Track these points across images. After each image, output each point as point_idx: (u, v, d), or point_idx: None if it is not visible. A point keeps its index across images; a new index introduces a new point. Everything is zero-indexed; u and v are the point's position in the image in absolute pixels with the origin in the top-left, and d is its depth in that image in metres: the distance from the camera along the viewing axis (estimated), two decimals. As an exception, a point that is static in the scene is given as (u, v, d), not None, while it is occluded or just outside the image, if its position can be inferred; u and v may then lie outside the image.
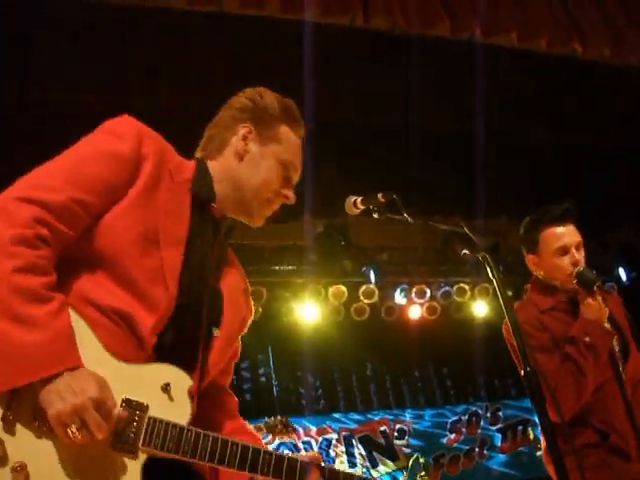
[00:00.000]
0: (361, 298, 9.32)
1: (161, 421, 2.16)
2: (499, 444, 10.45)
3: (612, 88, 7.36)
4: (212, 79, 5.45)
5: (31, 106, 5.50)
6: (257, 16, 5.59)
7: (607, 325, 3.74)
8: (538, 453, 9.69)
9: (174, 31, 5.66)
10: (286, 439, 8.99)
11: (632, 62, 7.17)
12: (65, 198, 2.18)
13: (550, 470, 3.56)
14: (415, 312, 9.83)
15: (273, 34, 5.84)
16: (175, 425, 2.19)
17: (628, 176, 8.16)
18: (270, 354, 9.88)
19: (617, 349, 3.79)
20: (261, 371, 9.93)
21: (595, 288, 3.67)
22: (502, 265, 9.61)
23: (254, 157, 2.58)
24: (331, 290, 9.09)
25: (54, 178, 2.21)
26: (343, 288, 9.13)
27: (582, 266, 3.76)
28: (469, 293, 9.83)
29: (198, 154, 2.66)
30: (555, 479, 3.11)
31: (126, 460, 2.11)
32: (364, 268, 9.10)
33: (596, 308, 3.69)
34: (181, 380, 2.25)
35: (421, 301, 9.73)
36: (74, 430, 2.00)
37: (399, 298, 9.66)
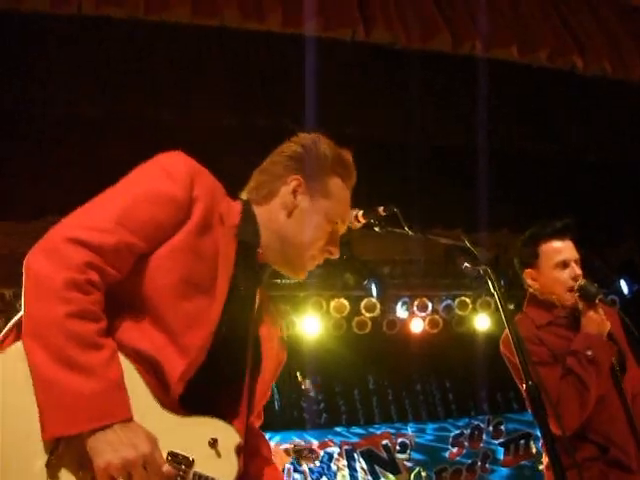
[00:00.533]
0: (363, 312, 9.30)
1: (207, 477, 2.12)
2: (501, 458, 10.41)
3: (614, 103, 7.38)
4: (212, 91, 5.46)
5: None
6: (258, 31, 5.63)
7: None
8: (540, 467, 9.64)
9: (177, 44, 5.69)
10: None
11: (633, 77, 7.19)
12: (116, 241, 2.14)
13: (550, 485, 3.57)
14: (417, 325, 9.80)
15: (274, 48, 5.87)
16: None
17: (629, 190, 8.17)
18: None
19: (615, 363, 3.79)
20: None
21: (597, 301, 3.68)
22: (504, 278, 9.60)
23: (303, 213, 2.52)
24: (333, 303, 9.08)
25: (106, 219, 2.16)
26: (345, 301, 9.12)
27: (583, 280, 3.77)
28: (471, 306, 9.81)
29: (244, 196, 2.61)
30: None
31: None
32: (366, 281, 9.09)
33: (598, 321, 3.70)
34: (229, 436, 2.19)
35: (423, 314, 9.71)
36: None
37: (401, 311, 9.64)
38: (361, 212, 3.01)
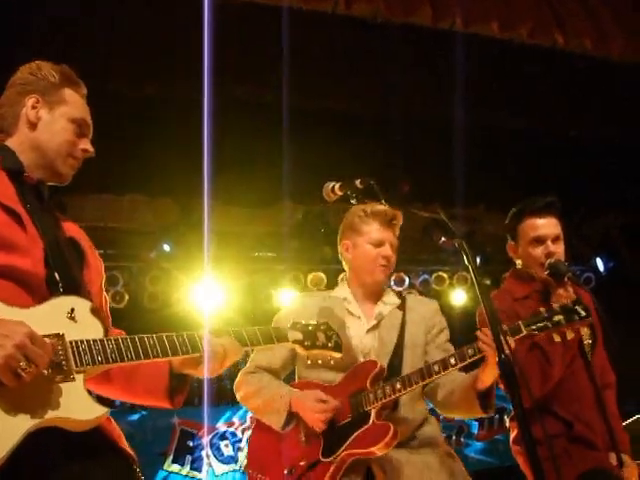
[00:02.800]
0: (339, 283, 9.30)
1: (82, 341, 2.29)
2: (476, 432, 10.51)
3: (593, 79, 7.39)
4: (191, 64, 5.43)
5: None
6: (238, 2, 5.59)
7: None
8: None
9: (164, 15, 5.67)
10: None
11: (613, 54, 7.19)
12: None
13: (520, 460, 3.61)
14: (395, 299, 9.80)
15: (254, 21, 5.83)
16: (95, 340, 2.33)
17: (608, 167, 8.21)
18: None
19: (589, 341, 3.83)
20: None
21: (566, 279, 3.71)
22: (481, 254, 9.66)
23: (47, 122, 2.68)
24: (310, 277, 9.09)
25: None
26: (322, 275, 9.12)
27: (554, 258, 3.80)
28: (447, 281, 9.87)
29: None
30: (526, 469, 3.17)
31: (68, 385, 2.22)
32: (343, 255, 9.10)
33: (566, 299, 3.72)
34: (81, 302, 2.37)
35: (399, 289, 9.73)
36: (23, 367, 2.06)
37: (377, 285, 9.66)
38: (338, 184, 3.02)
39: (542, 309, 3.23)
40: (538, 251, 3.86)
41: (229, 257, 8.58)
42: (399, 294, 3.89)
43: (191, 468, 9.15)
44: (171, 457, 9.10)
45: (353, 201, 2.98)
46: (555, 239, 3.89)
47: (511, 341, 3.04)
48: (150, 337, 2.47)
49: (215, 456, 9.28)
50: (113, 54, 5.63)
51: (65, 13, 5.41)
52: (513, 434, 3.89)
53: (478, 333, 3.16)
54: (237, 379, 3.79)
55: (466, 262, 2.60)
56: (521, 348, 3.68)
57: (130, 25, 5.64)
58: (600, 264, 10.27)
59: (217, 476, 9.18)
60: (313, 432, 3.42)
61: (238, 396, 3.77)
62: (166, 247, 8.51)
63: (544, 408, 3.66)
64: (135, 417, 9.16)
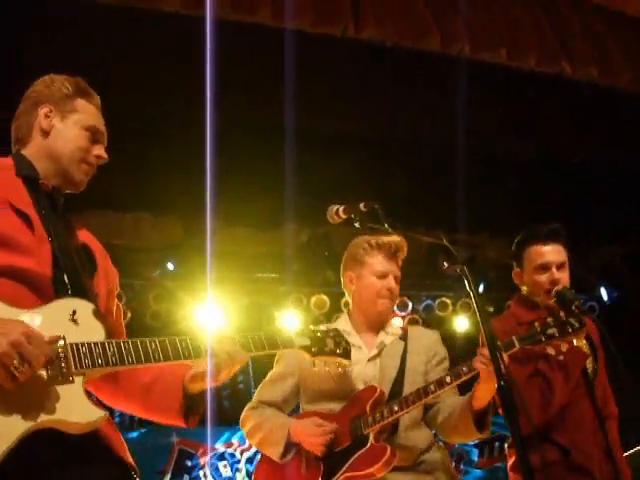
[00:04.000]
0: (343, 309, 9.29)
1: (82, 343, 2.29)
2: (476, 459, 10.44)
3: (600, 108, 7.41)
4: (195, 82, 5.45)
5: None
6: (249, 22, 5.62)
7: (583, 343, 3.79)
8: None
9: (166, 33, 5.69)
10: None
11: (620, 83, 7.22)
12: None
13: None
14: (397, 324, 9.77)
15: (259, 41, 5.86)
16: (96, 343, 2.33)
17: (614, 196, 8.21)
18: (250, 361, 9.86)
19: (590, 369, 3.83)
20: (240, 378, 9.91)
21: (573, 308, 3.70)
22: (484, 281, 9.64)
23: (59, 130, 2.74)
24: (313, 299, 9.07)
25: None
26: (325, 298, 9.10)
27: (562, 285, 3.79)
28: (451, 308, 9.83)
29: (13, 150, 2.79)
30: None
31: (66, 388, 2.22)
32: (347, 278, 9.10)
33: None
34: (84, 305, 2.39)
35: (403, 314, 9.71)
36: (16, 365, 2.06)
37: (380, 310, 9.64)
38: (342, 207, 3.04)
39: (536, 324, 3.23)
40: (543, 278, 3.87)
41: (231, 277, 8.59)
42: (401, 326, 3.91)
43: (189, 487, 9.13)
44: (169, 476, 9.05)
45: (357, 224, 2.99)
46: (560, 266, 3.89)
47: (505, 357, 3.04)
48: (152, 341, 2.47)
49: (213, 477, 9.24)
50: (115, 71, 5.65)
51: (66, 28, 5.45)
52: (510, 461, 3.88)
53: (477, 352, 3.17)
54: (242, 415, 3.82)
55: (467, 288, 2.61)
56: (523, 374, 3.68)
57: (132, 41, 5.66)
58: (604, 293, 10.25)
59: (214, 497, 9.15)
60: (313, 458, 3.42)
61: (244, 432, 3.84)
62: (170, 266, 8.52)
63: (542, 435, 3.64)
64: (134, 435, 9.13)
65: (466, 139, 6.57)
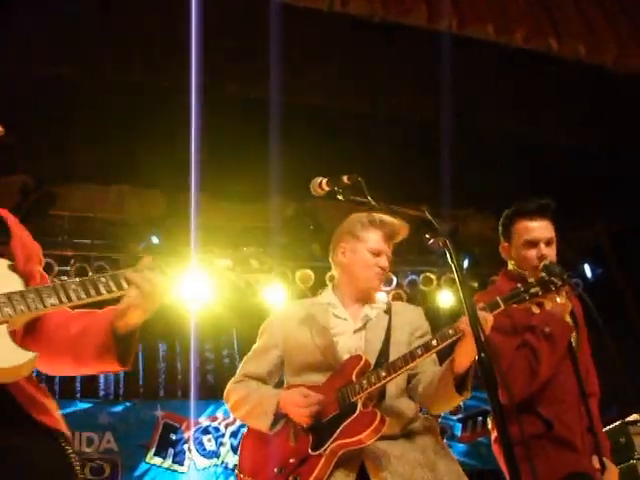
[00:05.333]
0: (328, 283, 9.27)
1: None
2: (459, 434, 10.51)
3: (586, 87, 7.41)
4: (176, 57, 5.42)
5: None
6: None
7: (568, 319, 3.81)
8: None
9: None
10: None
11: (607, 61, 7.21)
12: None
13: (500, 460, 3.61)
14: (382, 299, 9.78)
15: (245, 15, 5.83)
16: (14, 292, 2.31)
17: (600, 175, 8.23)
18: (234, 335, 9.89)
19: (574, 343, 3.85)
20: (225, 352, 9.94)
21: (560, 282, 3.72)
22: (470, 257, 9.67)
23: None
24: (298, 274, 9.07)
25: None
26: (310, 272, 9.10)
27: (549, 260, 3.81)
28: (435, 283, 9.85)
29: None
30: (504, 468, 3.17)
31: None
32: (332, 253, 9.11)
33: (560, 301, 3.73)
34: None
35: (387, 289, 9.71)
36: None
37: (365, 285, 9.66)
38: (325, 180, 3.04)
39: (519, 284, 3.25)
40: (531, 253, 3.89)
41: (217, 251, 8.56)
42: (386, 301, 3.92)
43: (173, 461, 9.14)
44: (153, 450, 9.09)
45: (340, 197, 2.99)
46: (548, 242, 3.91)
47: (490, 317, 3.09)
48: (72, 281, 2.43)
49: (197, 450, 9.28)
50: (103, 42, 5.61)
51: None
52: (494, 434, 3.90)
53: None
54: (226, 389, 3.81)
55: (449, 260, 2.62)
56: (510, 345, 3.70)
57: (117, 18, 5.62)
58: (588, 270, 10.31)
59: (199, 470, 9.17)
60: (301, 429, 3.43)
61: (228, 406, 3.80)
62: (154, 239, 8.49)
63: (526, 407, 3.67)
64: (118, 409, 9.17)
65: (453, 115, 6.57)
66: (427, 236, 2.72)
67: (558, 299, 3.24)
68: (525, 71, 7.06)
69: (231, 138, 6.48)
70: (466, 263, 9.65)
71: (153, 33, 5.71)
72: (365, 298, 3.80)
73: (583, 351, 3.92)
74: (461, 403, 10.56)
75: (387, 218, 3.75)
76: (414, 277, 9.85)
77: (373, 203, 2.88)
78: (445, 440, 10.13)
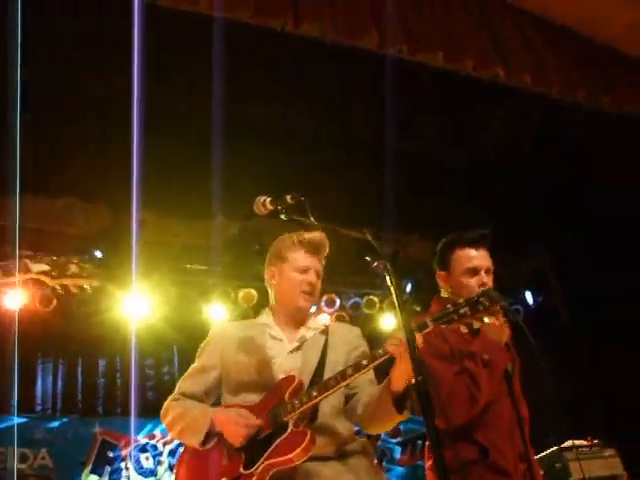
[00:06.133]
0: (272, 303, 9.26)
1: None
2: (398, 457, 10.54)
3: (532, 115, 7.52)
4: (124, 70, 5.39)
5: None
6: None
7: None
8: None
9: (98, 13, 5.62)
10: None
11: (552, 91, 7.33)
12: None
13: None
14: (323, 321, 9.83)
15: (189, 26, 5.82)
16: None
17: (542, 204, 8.34)
18: (175, 353, 9.82)
19: (510, 370, 3.88)
20: (165, 369, 9.85)
21: (498, 308, 3.75)
22: (413, 281, 9.72)
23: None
24: (241, 293, 9.06)
25: None
26: (253, 292, 9.09)
27: (488, 287, 3.85)
28: (378, 305, 9.91)
29: None
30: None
31: None
32: (276, 273, 9.10)
33: (498, 328, 3.77)
34: None
35: (330, 310, 9.75)
36: None
37: (308, 306, 9.67)
38: (269, 199, 3.05)
39: (449, 305, 3.26)
40: (472, 282, 3.91)
41: (160, 268, 8.54)
42: (326, 323, 3.94)
43: (109, 479, 9.02)
44: (90, 467, 8.94)
45: (283, 216, 3.00)
46: (487, 271, 3.95)
47: (419, 337, 3.07)
48: None
49: (135, 469, 9.16)
50: (54, 57, 5.56)
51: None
52: (429, 462, 3.91)
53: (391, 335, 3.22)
54: (163, 407, 3.78)
55: (388, 282, 2.63)
56: (450, 372, 3.72)
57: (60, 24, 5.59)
58: (529, 297, 10.43)
59: (135, 489, 9.07)
60: (234, 448, 3.42)
61: (164, 423, 3.76)
62: (98, 253, 8.41)
63: (462, 434, 3.68)
64: (55, 424, 9.02)
65: (400, 140, 6.63)
66: (368, 259, 2.74)
67: (486, 319, 3.26)
68: (471, 98, 7.15)
69: (176, 155, 6.46)
70: (409, 287, 9.71)
71: (97, 43, 5.66)
72: (299, 319, 3.80)
73: (516, 379, 3.96)
74: (400, 426, 10.62)
75: (307, 234, 3.77)
76: (357, 299, 9.89)
77: (316, 223, 2.89)
78: (384, 463, 10.25)
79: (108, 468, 9.03)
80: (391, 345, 3.15)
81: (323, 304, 9.68)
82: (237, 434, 3.38)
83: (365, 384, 3.56)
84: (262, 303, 9.26)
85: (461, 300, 3.24)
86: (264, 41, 6.12)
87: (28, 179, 6.02)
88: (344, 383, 3.33)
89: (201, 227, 8.17)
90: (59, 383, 9.22)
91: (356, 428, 3.68)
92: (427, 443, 3.99)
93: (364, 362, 3.29)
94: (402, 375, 3.22)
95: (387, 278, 2.66)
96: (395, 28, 6.42)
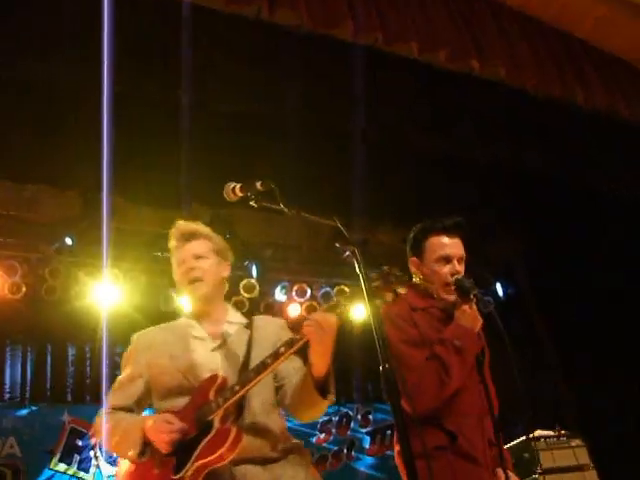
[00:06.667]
0: (241, 292, 9.26)
1: None
2: (367, 446, 10.58)
3: (506, 106, 7.55)
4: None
5: None
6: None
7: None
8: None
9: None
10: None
11: (527, 84, 7.37)
12: None
13: (402, 473, 3.63)
14: (294, 310, 9.85)
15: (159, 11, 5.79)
16: None
17: (514, 193, 8.37)
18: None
19: (481, 358, 3.89)
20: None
21: (472, 297, 3.76)
22: (381, 269, 9.73)
23: None
24: (212, 282, 9.03)
25: None
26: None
27: (460, 275, 3.86)
28: (349, 295, 9.90)
29: None
30: (405, 480, 3.19)
31: None
32: (246, 262, 9.10)
33: (472, 316, 3.78)
34: None
35: (301, 300, 9.76)
36: None
37: (279, 295, 9.68)
38: (239, 185, 3.03)
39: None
40: (444, 269, 3.91)
41: (131, 256, 8.51)
42: (246, 314, 3.89)
43: (78, 468, 8.95)
44: (58, 456, 8.88)
45: (252, 203, 2.99)
46: (460, 259, 3.95)
47: (332, 318, 3.19)
48: None
49: (104, 457, 9.12)
50: (23, 40, 5.50)
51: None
52: (397, 448, 3.91)
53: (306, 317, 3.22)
54: (95, 422, 3.73)
55: (357, 269, 2.63)
56: (419, 358, 3.72)
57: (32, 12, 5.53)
58: (500, 289, 10.49)
59: (104, 478, 9.01)
60: (164, 455, 3.39)
61: (98, 439, 3.71)
62: (68, 240, 8.36)
63: (430, 420, 3.69)
64: (23, 412, 8.95)
65: (372, 128, 6.62)
66: (337, 245, 2.73)
67: (400, 290, 3.23)
68: (444, 87, 7.16)
69: (147, 142, 6.41)
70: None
71: (67, 28, 5.60)
72: (212, 313, 3.76)
73: (487, 366, 3.97)
74: (370, 417, 10.67)
75: (178, 224, 3.87)
76: (328, 289, 9.89)
77: (286, 210, 2.88)
78: (354, 453, 10.29)
79: (77, 457, 8.97)
80: (306, 327, 3.15)
81: (294, 294, 9.69)
82: (162, 441, 3.33)
83: (292, 373, 3.54)
84: (232, 291, 9.32)
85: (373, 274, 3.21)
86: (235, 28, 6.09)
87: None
88: (265, 373, 3.29)
89: (172, 215, 8.12)
90: (28, 371, 9.14)
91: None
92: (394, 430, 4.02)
93: (282, 349, 3.25)
94: (321, 358, 3.23)
95: (355, 264, 2.65)
96: (370, 18, 6.43)
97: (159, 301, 8.93)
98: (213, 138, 6.39)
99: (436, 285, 3.94)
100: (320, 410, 3.49)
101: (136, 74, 5.78)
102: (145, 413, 3.72)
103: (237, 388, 3.30)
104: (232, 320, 3.78)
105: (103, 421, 3.65)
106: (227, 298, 3.96)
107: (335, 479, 10.07)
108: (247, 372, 3.37)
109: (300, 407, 3.51)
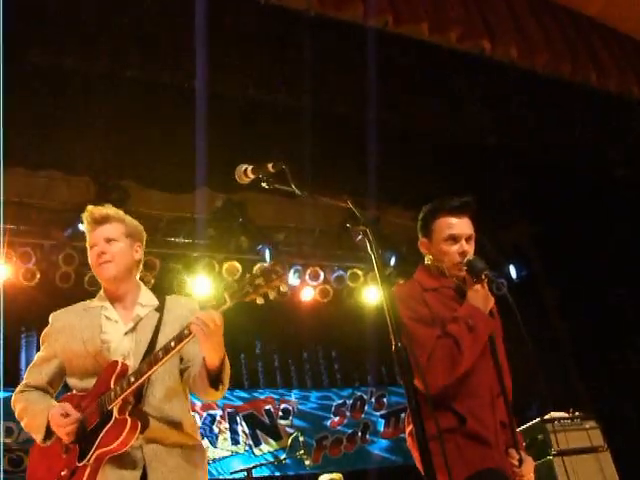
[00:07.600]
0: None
1: None
2: (382, 429, 10.61)
3: (517, 89, 7.52)
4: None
5: None
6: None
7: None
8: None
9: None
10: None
11: (537, 66, 7.33)
12: None
13: (414, 452, 3.63)
14: (307, 294, 9.89)
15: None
16: None
17: (525, 175, 8.35)
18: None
19: (494, 339, 3.88)
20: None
21: (483, 277, 3.75)
22: (397, 254, 9.74)
23: None
24: (225, 266, 9.04)
25: None
26: (237, 265, 9.08)
27: (472, 255, 3.85)
28: (362, 279, 9.94)
29: None
30: (418, 460, 3.20)
31: None
32: (260, 246, 9.11)
33: (483, 296, 3.77)
34: None
35: (314, 283, 9.77)
36: None
37: (292, 279, 9.66)
38: (250, 167, 3.02)
39: (247, 276, 3.23)
40: (452, 249, 3.89)
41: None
42: (159, 296, 3.87)
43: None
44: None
45: (264, 184, 2.99)
46: (468, 239, 3.93)
47: (217, 314, 3.21)
48: None
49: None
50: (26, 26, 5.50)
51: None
52: (409, 427, 3.91)
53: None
54: (12, 398, 3.77)
55: (369, 249, 2.63)
56: (432, 336, 3.71)
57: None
58: (513, 272, 10.46)
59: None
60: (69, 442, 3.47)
61: (16, 415, 3.75)
62: (81, 226, 8.36)
63: (440, 402, 3.68)
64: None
65: (381, 113, 6.61)
66: (348, 225, 2.73)
67: (282, 288, 3.23)
68: (456, 71, 7.13)
69: (162, 126, 6.41)
70: (393, 260, 9.72)
71: (82, 16, 5.61)
72: (120, 294, 3.75)
73: (500, 348, 3.96)
74: (384, 400, 10.70)
75: (89, 209, 3.79)
76: (341, 273, 9.90)
77: (297, 192, 2.88)
78: (368, 436, 10.32)
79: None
80: (193, 325, 3.19)
81: (307, 277, 9.69)
82: (61, 433, 3.42)
83: (197, 356, 3.54)
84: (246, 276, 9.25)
85: (255, 269, 3.22)
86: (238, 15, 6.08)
87: (8, 152, 6.01)
88: (158, 365, 3.33)
89: (186, 199, 8.14)
90: (43, 356, 9.18)
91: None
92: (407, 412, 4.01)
93: (172, 344, 3.30)
94: (210, 353, 3.30)
95: (367, 244, 2.65)
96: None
97: (172, 285, 8.94)
98: (227, 124, 6.38)
99: (445, 265, 3.94)
100: (214, 397, 3.59)
101: (150, 60, 5.78)
102: None
103: (132, 379, 3.35)
104: (143, 302, 3.77)
105: (17, 399, 3.73)
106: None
107: (350, 462, 10.10)
108: (140, 364, 3.40)
109: (198, 393, 3.59)
